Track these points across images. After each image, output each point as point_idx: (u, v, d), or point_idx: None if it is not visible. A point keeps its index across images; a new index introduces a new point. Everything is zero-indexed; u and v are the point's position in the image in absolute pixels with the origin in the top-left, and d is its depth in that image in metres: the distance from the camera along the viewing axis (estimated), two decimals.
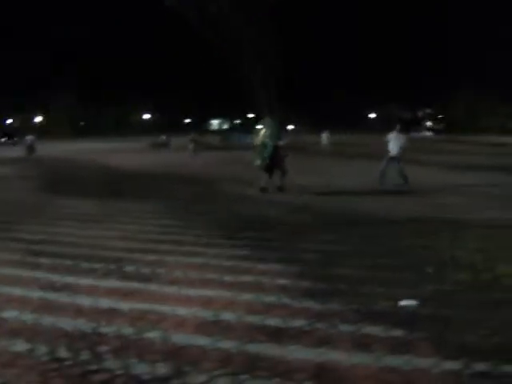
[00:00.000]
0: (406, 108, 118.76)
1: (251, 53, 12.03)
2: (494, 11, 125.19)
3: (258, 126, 15.26)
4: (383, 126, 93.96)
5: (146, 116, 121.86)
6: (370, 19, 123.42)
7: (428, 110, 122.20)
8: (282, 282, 5.98)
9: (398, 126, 17.05)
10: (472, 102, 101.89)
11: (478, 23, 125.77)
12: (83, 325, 4.76)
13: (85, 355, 4.09)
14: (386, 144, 16.66)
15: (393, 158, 16.21)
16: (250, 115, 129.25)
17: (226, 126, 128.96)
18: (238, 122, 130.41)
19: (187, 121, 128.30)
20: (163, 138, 54.38)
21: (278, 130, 15.20)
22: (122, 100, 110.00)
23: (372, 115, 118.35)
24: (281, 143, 14.83)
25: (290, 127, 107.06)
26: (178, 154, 35.85)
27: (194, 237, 8.70)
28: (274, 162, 14.47)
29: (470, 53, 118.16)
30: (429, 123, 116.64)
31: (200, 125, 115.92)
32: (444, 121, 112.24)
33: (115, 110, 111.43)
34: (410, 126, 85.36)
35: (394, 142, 16.34)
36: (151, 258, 7.19)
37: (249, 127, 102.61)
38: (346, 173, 20.66)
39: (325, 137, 37.03)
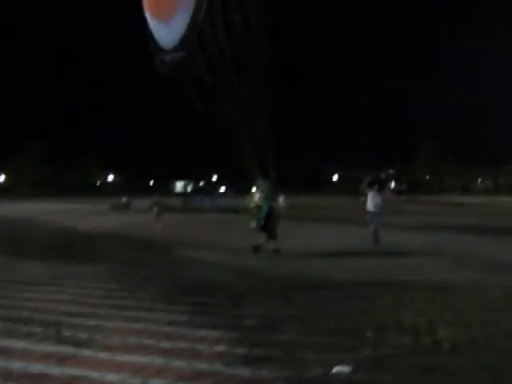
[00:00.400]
0: (369, 169, 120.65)
1: (244, 124, 12.41)
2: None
3: (252, 189, 15.53)
4: (346, 188, 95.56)
5: (110, 177, 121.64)
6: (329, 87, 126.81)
7: (391, 171, 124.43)
8: (218, 348, 5.92)
9: (376, 186, 18.14)
10: (435, 163, 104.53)
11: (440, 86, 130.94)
12: None
13: None
14: (363, 203, 17.77)
15: (372, 215, 17.05)
16: (214, 178, 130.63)
17: (190, 189, 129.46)
18: (201, 184, 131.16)
19: (151, 182, 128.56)
20: (124, 199, 54.06)
21: (271, 192, 15.34)
22: (85, 161, 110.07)
23: (335, 177, 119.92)
24: (276, 204, 15.31)
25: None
26: (138, 217, 35.64)
27: (136, 301, 8.64)
28: (268, 222, 14.69)
29: (432, 116, 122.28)
30: (392, 184, 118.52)
31: (164, 187, 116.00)
32: (407, 182, 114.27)
33: (78, 171, 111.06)
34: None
35: (371, 201, 17.25)
36: (90, 322, 7.13)
37: (211, 190, 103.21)
38: (300, 236, 20.64)
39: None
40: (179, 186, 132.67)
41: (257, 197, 15.01)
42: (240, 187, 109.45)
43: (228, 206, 43.86)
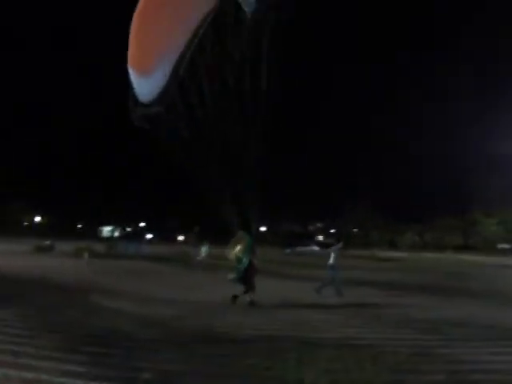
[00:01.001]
0: (297, 222, 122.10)
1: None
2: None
3: (233, 241, 15.46)
4: (274, 239, 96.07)
5: (37, 218, 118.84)
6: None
7: (319, 225, 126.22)
8: None
9: (340, 243, 19.90)
10: (363, 217, 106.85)
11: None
12: None
13: None
14: (328, 256, 18.72)
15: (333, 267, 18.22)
16: (142, 224, 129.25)
17: (117, 234, 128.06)
18: (129, 230, 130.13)
19: (79, 226, 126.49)
20: (48, 242, 53.08)
21: (253, 244, 15.41)
22: (10, 201, 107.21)
23: (263, 228, 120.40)
24: (255, 258, 15.27)
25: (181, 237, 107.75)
26: (60, 260, 34.80)
27: (36, 348, 8.36)
28: (248, 275, 14.92)
29: (361, 169, 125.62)
30: (320, 237, 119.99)
31: (92, 230, 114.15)
32: (335, 235, 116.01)
33: (6, 210, 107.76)
34: (299, 240, 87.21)
35: (333, 256, 18.47)
36: None
37: (138, 236, 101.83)
38: (216, 288, 20.50)
39: (203, 249, 37.21)
40: (106, 230, 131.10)
41: (237, 249, 15.16)
42: (166, 235, 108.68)
43: (153, 254, 43.45)
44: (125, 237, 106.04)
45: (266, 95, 12.03)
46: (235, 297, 15.04)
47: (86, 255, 37.03)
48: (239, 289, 15.05)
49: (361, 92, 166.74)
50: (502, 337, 10.55)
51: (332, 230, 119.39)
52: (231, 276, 15.23)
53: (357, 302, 16.32)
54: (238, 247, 15.19)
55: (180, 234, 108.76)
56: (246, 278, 14.98)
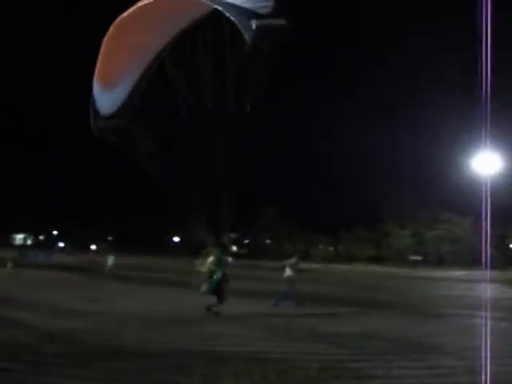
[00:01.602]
0: (211, 232, 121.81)
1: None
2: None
3: (203, 253, 16.95)
4: (188, 250, 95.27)
5: None
6: None
7: (233, 235, 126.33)
8: None
9: (296, 257, 21.19)
10: (275, 227, 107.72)
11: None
12: None
13: None
14: (284, 269, 20.03)
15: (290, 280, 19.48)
16: (55, 232, 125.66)
17: (29, 242, 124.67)
18: (41, 238, 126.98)
19: None
20: None
21: (225, 258, 16.53)
22: None
23: (176, 239, 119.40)
24: (227, 270, 16.09)
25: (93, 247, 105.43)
26: None
27: None
28: (220, 287, 15.54)
29: (273, 181, 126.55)
30: (234, 248, 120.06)
31: (4, 238, 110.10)
32: (248, 246, 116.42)
33: None
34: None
35: (290, 268, 19.80)
36: None
37: (49, 245, 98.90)
38: (130, 298, 20.16)
39: (110, 259, 36.63)
40: (18, 238, 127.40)
41: (209, 262, 15.89)
42: (79, 244, 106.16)
43: (63, 263, 42.59)
44: (36, 245, 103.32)
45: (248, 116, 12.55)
46: (209, 309, 15.41)
47: (9, 265, 36.83)
48: (211, 300, 15.44)
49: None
50: (413, 350, 10.66)
51: (246, 241, 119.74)
52: (203, 288, 15.65)
53: (268, 314, 16.32)
54: (210, 259, 15.94)
55: (93, 243, 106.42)
56: (219, 289, 15.53)
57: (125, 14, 12.18)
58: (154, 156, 13.56)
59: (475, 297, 24.90)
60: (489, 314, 17.41)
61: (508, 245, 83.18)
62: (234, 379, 7.76)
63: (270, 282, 32.81)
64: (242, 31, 10.20)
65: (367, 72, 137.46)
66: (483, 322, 15.38)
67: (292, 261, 20.50)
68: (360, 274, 51.22)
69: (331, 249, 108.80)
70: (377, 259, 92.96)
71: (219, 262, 15.96)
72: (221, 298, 15.53)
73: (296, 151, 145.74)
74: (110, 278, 31.35)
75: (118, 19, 12.35)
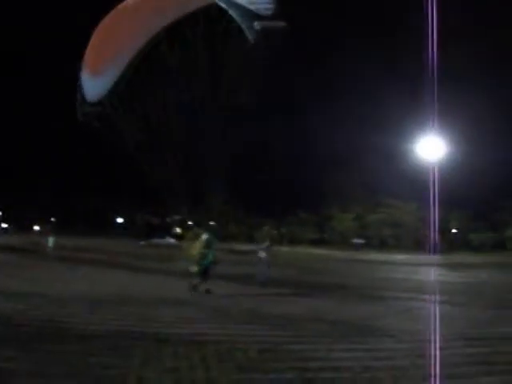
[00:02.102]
0: (155, 213, 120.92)
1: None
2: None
3: (189, 236, 18.83)
4: (131, 231, 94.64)
5: None
6: None
7: (177, 217, 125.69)
8: None
9: (267, 241, 22.85)
10: (220, 209, 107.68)
11: None
12: None
13: None
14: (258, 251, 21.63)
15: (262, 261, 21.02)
16: None
17: None
18: None
19: None
20: None
21: (215, 240, 17.37)
22: None
23: (120, 220, 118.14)
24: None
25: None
26: None
27: None
28: (210, 269, 16.67)
29: (219, 161, 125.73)
30: (178, 229, 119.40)
31: None
32: (193, 228, 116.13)
33: None
34: (155, 232, 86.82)
35: (264, 251, 21.36)
36: None
37: None
38: (70, 280, 19.87)
39: (50, 241, 36.03)
40: None
41: (199, 245, 16.85)
42: (23, 225, 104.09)
43: (5, 244, 41.99)
44: None
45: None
46: (195, 289, 16.36)
47: None
48: (198, 281, 16.44)
49: None
50: (354, 333, 10.73)
51: (190, 223, 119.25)
52: (193, 269, 16.56)
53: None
54: (200, 242, 16.98)
55: (36, 224, 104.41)
56: (209, 271, 16.63)
57: (119, 6, 12.98)
58: (138, 142, 14.36)
59: (417, 280, 25.40)
60: (430, 297, 17.78)
61: (451, 229, 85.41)
62: (173, 361, 7.70)
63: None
64: (245, 30, 11.11)
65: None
66: (424, 305, 15.68)
67: (264, 245, 22.04)
68: (303, 257, 51.77)
69: (275, 231, 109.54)
70: (320, 242, 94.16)
71: (210, 245, 16.93)
72: (206, 278, 16.49)
73: (246, 136, 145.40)
74: (52, 259, 30.91)
75: (112, 10, 13.13)
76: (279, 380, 7.11)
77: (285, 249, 69.13)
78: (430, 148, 24.07)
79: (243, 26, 11.25)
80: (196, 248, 16.86)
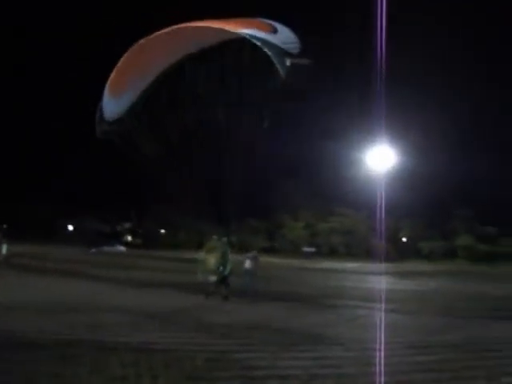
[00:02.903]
0: (105, 221, 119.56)
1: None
2: None
3: (206, 247, 20.04)
4: (81, 239, 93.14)
5: None
6: None
7: (127, 225, 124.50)
8: None
9: (255, 251, 23.32)
10: (167, 217, 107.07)
11: None
12: None
13: None
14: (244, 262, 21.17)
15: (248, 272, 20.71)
16: None
17: None
18: None
19: None
20: None
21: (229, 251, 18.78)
22: None
23: (70, 227, 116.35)
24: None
25: None
26: None
27: None
28: (227, 278, 18.29)
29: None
30: (128, 237, 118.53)
31: None
32: (143, 235, 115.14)
33: None
34: (105, 239, 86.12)
35: (250, 261, 21.09)
36: None
37: None
38: (22, 288, 19.57)
39: (3, 248, 35.39)
40: None
41: (217, 257, 18.44)
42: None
43: None
44: None
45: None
46: (226, 297, 18.05)
47: None
48: (222, 291, 18.00)
49: None
50: (301, 341, 10.80)
51: (140, 231, 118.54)
52: (212, 278, 18.14)
53: (153, 304, 16.18)
54: (217, 254, 18.46)
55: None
56: (226, 279, 18.21)
57: (151, 36, 14.07)
58: (152, 157, 15.55)
59: (367, 288, 25.66)
60: (380, 305, 17.97)
61: (401, 238, 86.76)
62: (121, 370, 7.68)
63: (165, 272, 32.79)
64: (277, 66, 12.19)
65: None
66: (374, 314, 15.84)
67: (251, 254, 21.95)
68: None
69: (225, 239, 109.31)
70: (270, 250, 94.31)
71: (226, 256, 18.45)
72: (226, 287, 18.19)
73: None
74: (5, 266, 30.28)
75: (142, 40, 14.26)
76: None
77: (234, 257, 68.95)
78: (380, 157, 24.40)
79: (275, 61, 12.28)
80: (213, 259, 18.41)
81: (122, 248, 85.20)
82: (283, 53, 12.49)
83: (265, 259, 67.09)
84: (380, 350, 9.81)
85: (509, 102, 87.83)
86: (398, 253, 76.30)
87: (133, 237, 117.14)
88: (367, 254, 72.97)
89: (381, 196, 21.64)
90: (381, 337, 11.30)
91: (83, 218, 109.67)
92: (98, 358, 8.36)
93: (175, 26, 13.66)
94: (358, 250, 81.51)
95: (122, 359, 8.32)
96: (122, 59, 14.74)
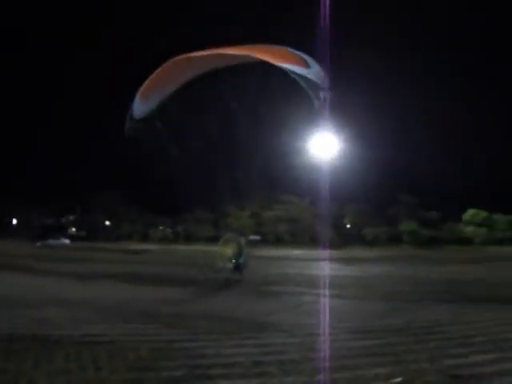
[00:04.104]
0: (50, 214, 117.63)
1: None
2: None
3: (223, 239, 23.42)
4: (26, 233, 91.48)
5: None
6: None
7: (72, 217, 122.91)
8: None
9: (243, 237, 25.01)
10: (115, 210, 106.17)
11: None
12: None
13: None
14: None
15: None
16: None
17: None
18: None
19: None
20: None
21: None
22: None
23: (14, 221, 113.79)
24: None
25: None
26: None
27: None
28: (241, 266, 21.26)
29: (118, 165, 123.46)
30: (73, 230, 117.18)
31: None
32: (87, 227, 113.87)
33: None
34: (49, 232, 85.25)
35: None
36: None
37: None
38: None
39: None
40: None
41: (234, 247, 21.23)
42: None
43: None
44: None
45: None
46: (239, 280, 20.68)
47: None
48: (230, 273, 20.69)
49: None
50: (246, 329, 10.91)
51: (85, 223, 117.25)
52: (229, 266, 21.02)
53: (99, 296, 16.10)
54: (232, 245, 21.33)
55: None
56: (240, 267, 21.06)
57: (185, 55, 15.78)
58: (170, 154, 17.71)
59: (311, 275, 25.93)
60: (323, 291, 18.21)
61: (345, 225, 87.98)
62: (65, 363, 7.69)
63: (110, 264, 32.51)
64: (312, 97, 14.10)
65: None
66: (317, 300, 16.04)
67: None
68: (198, 254, 51.74)
69: (170, 230, 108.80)
70: (215, 239, 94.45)
71: (241, 248, 21.44)
72: (239, 271, 21.06)
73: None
74: None
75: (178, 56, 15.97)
76: (170, 378, 7.12)
77: (180, 247, 69.01)
78: (323, 144, 24.60)
79: (310, 93, 14.14)
80: (230, 250, 21.15)
81: (67, 241, 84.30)
82: (318, 87, 14.27)
83: (208, 248, 67.50)
84: (324, 336, 9.97)
85: (455, 88, 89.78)
86: (342, 239, 77.32)
87: (77, 229, 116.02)
88: (312, 241, 73.67)
89: (324, 183, 22.21)
90: (324, 322, 11.49)
91: (27, 212, 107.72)
92: (41, 352, 8.30)
93: (210, 51, 15.55)
94: (303, 237, 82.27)
95: (66, 352, 8.29)
96: (157, 70, 16.56)
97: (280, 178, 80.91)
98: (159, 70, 16.62)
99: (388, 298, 16.92)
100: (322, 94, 14.17)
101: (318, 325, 11.19)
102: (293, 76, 14.26)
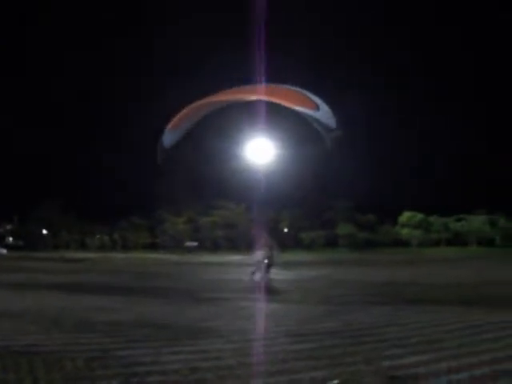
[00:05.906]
0: None
1: None
2: None
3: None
4: None
5: None
6: None
7: (9, 226, 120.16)
8: None
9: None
10: (52, 218, 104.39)
11: None
12: None
13: None
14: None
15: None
16: None
17: None
18: None
19: None
20: None
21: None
22: None
23: None
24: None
25: None
26: None
27: None
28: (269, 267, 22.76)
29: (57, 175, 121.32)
30: (10, 239, 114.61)
31: None
32: (24, 237, 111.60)
33: None
34: None
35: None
36: None
37: None
38: None
39: None
40: None
41: (264, 250, 22.71)
42: None
43: None
44: None
45: None
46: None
47: None
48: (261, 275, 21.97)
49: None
50: (183, 336, 10.88)
51: (22, 232, 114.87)
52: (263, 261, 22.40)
53: (36, 306, 15.76)
54: (265, 248, 22.66)
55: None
56: (270, 267, 22.69)
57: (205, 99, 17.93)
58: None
59: (248, 280, 26.06)
60: (260, 296, 18.33)
61: (282, 229, 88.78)
62: (2, 374, 7.55)
63: (47, 273, 31.87)
64: (324, 137, 16.19)
65: None
66: (254, 305, 16.12)
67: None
68: (135, 262, 51.39)
69: (107, 237, 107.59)
70: (153, 246, 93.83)
71: (273, 251, 23.01)
72: (268, 271, 22.53)
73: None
74: None
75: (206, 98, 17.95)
76: None
77: (117, 255, 68.22)
78: (258, 150, 24.80)
79: (323, 133, 16.08)
80: (262, 252, 22.45)
81: (4, 250, 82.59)
82: (329, 129, 16.07)
83: (147, 256, 66.98)
84: (260, 340, 10.02)
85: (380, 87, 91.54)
86: (279, 243, 77.91)
87: (14, 238, 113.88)
88: (249, 246, 74.04)
89: (260, 188, 23.04)
90: (260, 327, 11.56)
91: None
92: None
93: (231, 97, 18.24)
94: (241, 242, 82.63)
95: (2, 364, 8.14)
96: (184, 109, 18.25)
97: (216, 184, 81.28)
98: (186, 109, 18.28)
99: (324, 302, 17.17)
100: (333, 134, 16.05)
101: (255, 329, 11.24)
102: (306, 118, 16.22)
